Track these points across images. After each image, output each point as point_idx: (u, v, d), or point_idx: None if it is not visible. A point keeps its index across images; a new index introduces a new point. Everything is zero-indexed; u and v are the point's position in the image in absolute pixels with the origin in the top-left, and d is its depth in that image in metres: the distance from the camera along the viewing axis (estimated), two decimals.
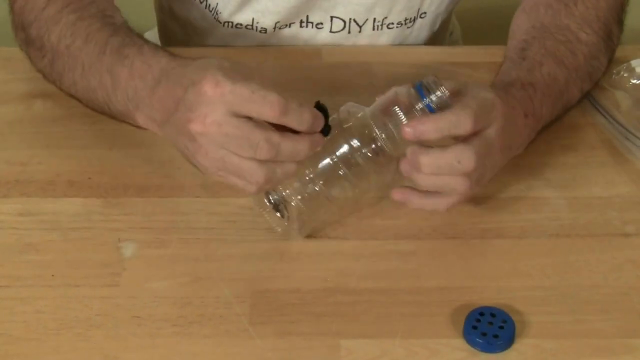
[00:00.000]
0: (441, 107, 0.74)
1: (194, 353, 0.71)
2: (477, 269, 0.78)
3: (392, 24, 1.03)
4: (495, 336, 0.71)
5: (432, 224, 0.82)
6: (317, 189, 0.76)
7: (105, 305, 0.74)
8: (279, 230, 0.79)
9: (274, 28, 1.02)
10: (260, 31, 1.02)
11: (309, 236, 0.80)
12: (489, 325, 0.71)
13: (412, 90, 0.75)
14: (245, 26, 1.02)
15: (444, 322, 0.73)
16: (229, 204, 0.83)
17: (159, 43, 1.17)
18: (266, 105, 0.69)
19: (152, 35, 1.20)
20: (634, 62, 0.98)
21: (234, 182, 0.73)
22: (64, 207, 0.83)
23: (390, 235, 0.81)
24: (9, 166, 0.87)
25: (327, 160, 0.75)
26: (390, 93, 0.76)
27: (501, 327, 0.71)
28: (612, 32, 0.94)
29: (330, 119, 0.74)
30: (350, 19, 1.02)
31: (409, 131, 0.73)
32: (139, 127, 0.83)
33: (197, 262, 0.78)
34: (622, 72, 0.97)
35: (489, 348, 0.71)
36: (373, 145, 0.75)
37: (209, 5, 1.02)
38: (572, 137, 0.92)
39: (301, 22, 1.02)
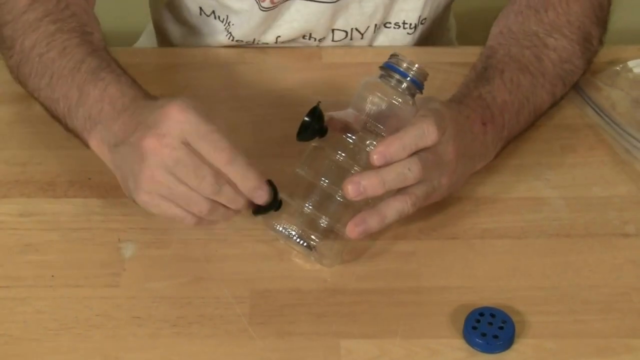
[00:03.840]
0: (422, 77, 0.76)
1: (194, 353, 0.71)
2: (477, 269, 0.78)
3: (390, 23, 1.03)
4: (495, 336, 0.71)
5: (432, 224, 0.82)
6: (330, 218, 0.76)
7: (105, 306, 0.74)
8: (307, 255, 0.78)
9: (276, 42, 1.02)
10: (262, 44, 1.03)
11: None
12: (489, 326, 0.72)
13: (383, 73, 0.76)
14: (246, 42, 1.03)
15: (444, 322, 0.73)
16: None
17: (154, 42, 1.17)
18: (218, 148, 0.71)
19: (147, 34, 1.20)
20: (631, 63, 0.98)
21: (173, 212, 0.73)
22: (64, 208, 0.83)
23: (390, 236, 0.80)
24: (9, 166, 0.87)
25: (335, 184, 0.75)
26: (362, 85, 0.76)
27: (501, 328, 0.71)
28: (590, 34, 0.93)
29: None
30: (352, 28, 1.02)
31: (378, 158, 0.73)
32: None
33: (197, 262, 0.78)
34: (619, 73, 0.97)
35: (488, 348, 0.71)
36: (369, 140, 0.75)
37: (219, 16, 1.02)
38: (572, 137, 0.92)
39: (303, 36, 1.02)
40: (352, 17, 1.01)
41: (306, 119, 0.74)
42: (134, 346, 0.72)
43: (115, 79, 0.80)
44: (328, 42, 1.03)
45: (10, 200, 0.84)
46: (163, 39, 1.12)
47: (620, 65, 0.98)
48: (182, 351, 0.71)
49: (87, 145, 0.81)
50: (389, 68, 0.76)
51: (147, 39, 1.19)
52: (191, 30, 1.05)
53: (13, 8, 0.87)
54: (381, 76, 0.76)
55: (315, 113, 0.74)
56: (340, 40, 1.03)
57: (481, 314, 0.72)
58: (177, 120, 0.71)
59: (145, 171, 0.72)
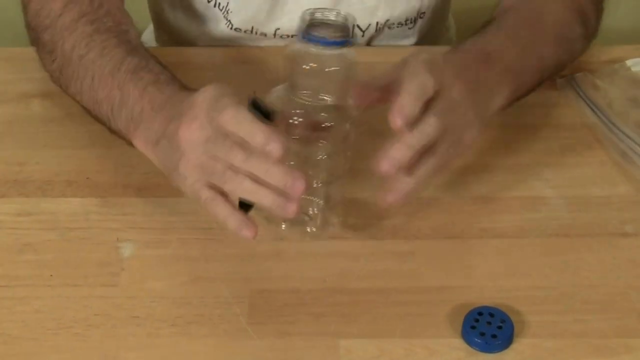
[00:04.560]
0: (346, 31, 0.73)
1: (193, 353, 0.71)
2: (476, 268, 0.78)
3: (393, 24, 1.03)
4: (494, 336, 0.71)
5: (430, 224, 0.82)
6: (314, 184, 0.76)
7: (104, 305, 0.74)
8: (294, 235, 0.78)
9: (274, 35, 1.02)
10: (260, 35, 1.03)
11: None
12: (488, 325, 0.72)
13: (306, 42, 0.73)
14: (244, 31, 1.02)
15: (443, 322, 0.73)
16: None
17: (154, 42, 1.16)
18: (223, 109, 0.70)
19: (149, 33, 1.20)
20: (629, 62, 0.98)
21: (206, 196, 0.72)
22: (62, 207, 0.83)
23: (389, 235, 0.81)
24: (7, 166, 0.87)
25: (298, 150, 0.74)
26: (290, 60, 0.74)
27: (500, 327, 0.71)
28: (585, 10, 0.93)
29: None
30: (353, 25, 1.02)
31: (396, 120, 0.71)
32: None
33: (196, 262, 0.78)
34: (617, 71, 0.97)
35: (487, 348, 0.71)
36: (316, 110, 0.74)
37: (219, 3, 1.02)
38: (571, 137, 0.92)
39: None
40: (354, 13, 1.01)
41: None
42: (132, 346, 0.71)
43: (153, 78, 0.81)
44: None
45: (8, 200, 0.84)
46: (160, 27, 1.12)
47: (618, 64, 0.98)
48: (181, 351, 0.71)
49: (132, 145, 0.82)
50: (314, 41, 0.72)
51: (149, 38, 1.19)
52: (191, 17, 1.05)
53: (49, 13, 0.88)
54: (304, 39, 0.73)
55: (255, 105, 0.72)
56: None
57: (480, 314, 0.72)
58: (200, 103, 0.72)
59: (182, 158, 0.72)
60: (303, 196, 0.71)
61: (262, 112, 0.71)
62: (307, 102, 0.73)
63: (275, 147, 0.69)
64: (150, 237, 0.80)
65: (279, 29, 1.02)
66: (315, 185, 0.77)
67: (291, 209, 0.70)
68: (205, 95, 0.72)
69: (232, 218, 0.72)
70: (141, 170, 0.86)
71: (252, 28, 1.02)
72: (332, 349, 0.71)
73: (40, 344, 0.71)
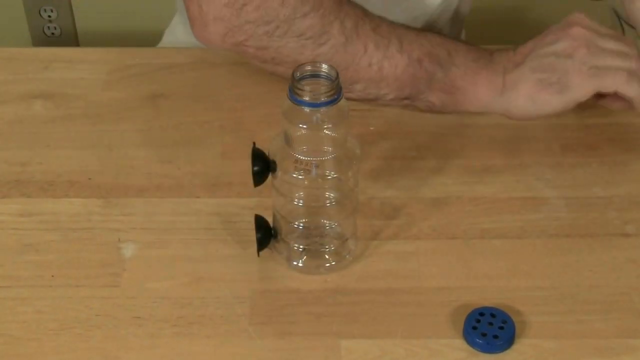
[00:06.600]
0: (332, 91, 0.71)
1: (194, 353, 0.71)
2: (477, 269, 0.78)
3: None
4: (495, 336, 0.71)
5: (432, 224, 0.82)
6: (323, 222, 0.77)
7: (106, 306, 0.74)
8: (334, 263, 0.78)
9: None
10: None
11: None
12: (489, 326, 0.72)
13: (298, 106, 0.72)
14: None
15: (444, 322, 0.73)
16: (229, 205, 0.83)
17: (176, 39, 1.15)
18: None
19: (169, 34, 1.19)
20: None
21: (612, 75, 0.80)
22: (64, 208, 0.83)
23: (390, 235, 0.81)
24: (9, 166, 0.87)
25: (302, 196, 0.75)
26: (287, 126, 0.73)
27: (501, 328, 0.71)
28: None
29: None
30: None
31: None
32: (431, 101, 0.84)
33: (197, 262, 0.78)
34: None
35: (488, 348, 0.71)
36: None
37: None
38: (572, 137, 0.92)
39: None
40: None
41: (255, 168, 0.73)
42: (134, 346, 0.72)
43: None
44: None
45: (10, 200, 0.84)
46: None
47: None
48: (183, 351, 0.71)
49: (449, 91, 0.84)
50: (306, 105, 0.71)
51: (169, 37, 1.18)
52: None
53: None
54: (296, 102, 0.71)
55: (256, 155, 0.73)
56: None
57: (481, 314, 0.72)
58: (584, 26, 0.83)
59: (578, 48, 0.81)
60: (317, 237, 0.76)
61: (263, 162, 0.73)
62: (306, 159, 0.73)
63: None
64: (151, 238, 0.80)
65: None
66: (327, 228, 0.77)
67: None
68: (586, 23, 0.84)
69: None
70: (142, 171, 0.86)
71: None
72: (333, 349, 0.71)
73: (41, 345, 0.72)
